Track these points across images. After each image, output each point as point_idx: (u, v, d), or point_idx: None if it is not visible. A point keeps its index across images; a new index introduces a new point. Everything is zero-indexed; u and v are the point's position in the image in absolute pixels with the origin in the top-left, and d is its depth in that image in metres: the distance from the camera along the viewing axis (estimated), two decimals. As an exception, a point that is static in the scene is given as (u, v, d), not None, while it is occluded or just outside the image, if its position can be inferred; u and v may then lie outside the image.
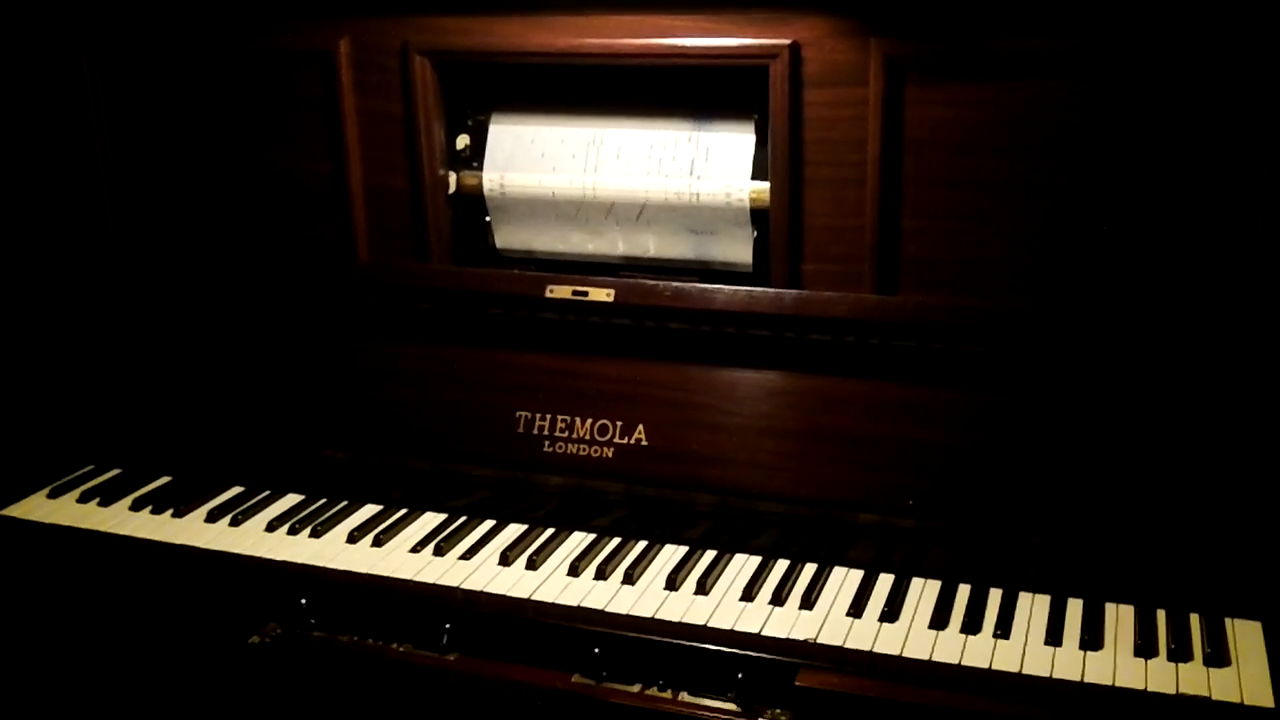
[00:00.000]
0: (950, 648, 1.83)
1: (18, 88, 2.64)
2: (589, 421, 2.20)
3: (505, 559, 2.12)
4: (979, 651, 1.82)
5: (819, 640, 1.86)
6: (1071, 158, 2.04)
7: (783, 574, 2.04)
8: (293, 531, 2.24)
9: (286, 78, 2.47)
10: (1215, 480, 1.91)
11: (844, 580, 2.03)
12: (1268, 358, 1.93)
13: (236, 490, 2.41)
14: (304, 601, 2.08)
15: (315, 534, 2.23)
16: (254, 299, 2.46)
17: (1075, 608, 1.93)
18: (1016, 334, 2.03)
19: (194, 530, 2.27)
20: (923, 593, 1.99)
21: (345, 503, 2.34)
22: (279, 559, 2.16)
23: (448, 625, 2.01)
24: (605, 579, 2.05)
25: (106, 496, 2.39)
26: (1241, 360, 1.94)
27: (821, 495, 2.07)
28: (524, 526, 2.24)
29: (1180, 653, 1.80)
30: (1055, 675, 1.76)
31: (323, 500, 2.36)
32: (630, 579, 2.04)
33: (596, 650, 1.93)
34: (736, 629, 1.90)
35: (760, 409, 2.13)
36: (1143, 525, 1.92)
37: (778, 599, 1.97)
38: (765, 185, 2.25)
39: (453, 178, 2.45)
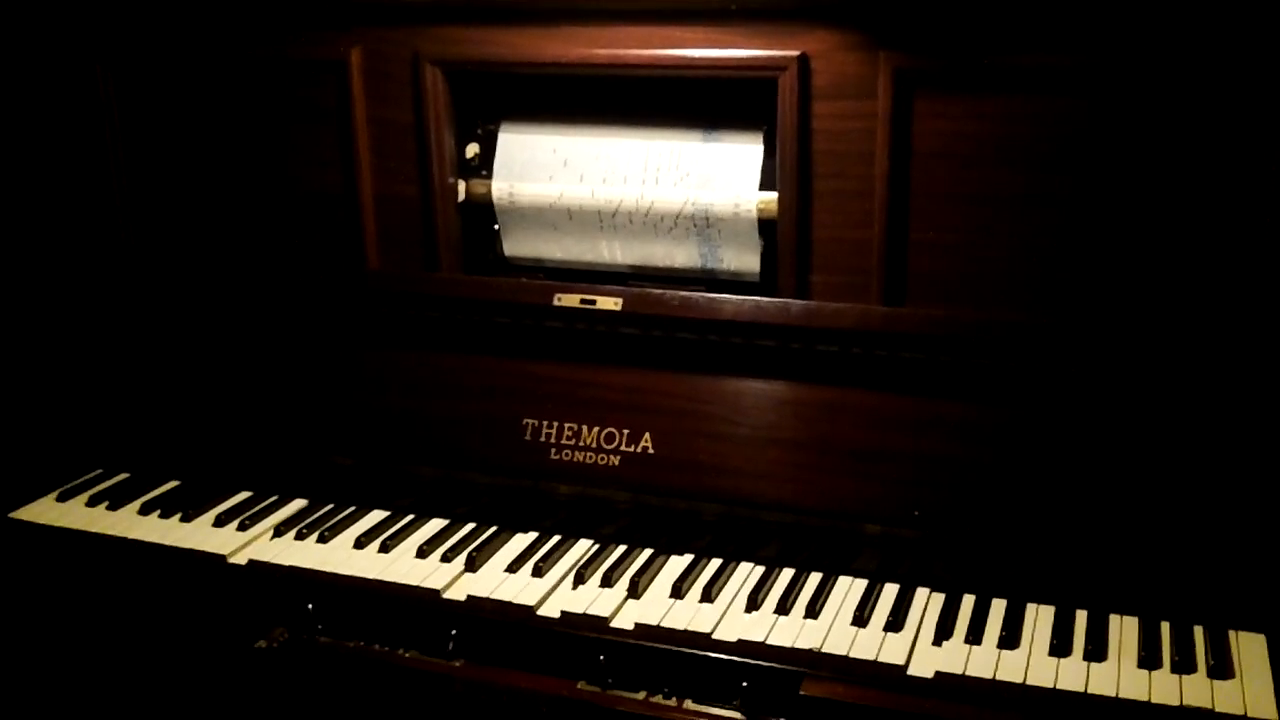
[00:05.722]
0: (954, 658, 1.84)
1: (32, 96, 2.65)
2: (596, 430, 2.20)
3: (512, 566, 2.13)
4: (983, 662, 1.82)
5: (823, 649, 1.87)
6: (1080, 171, 2.05)
7: (788, 583, 2.05)
8: (300, 536, 2.25)
9: (299, 87, 2.48)
10: (1220, 492, 1.91)
11: (849, 590, 2.04)
12: (1273, 371, 1.93)
13: (244, 495, 2.42)
14: (311, 606, 2.09)
15: (322, 539, 2.24)
16: (263, 306, 2.48)
17: (1080, 619, 1.93)
18: (1023, 347, 2.03)
19: (202, 534, 2.28)
20: (927, 603, 1.99)
21: (352, 508, 2.35)
22: (286, 564, 2.17)
23: (454, 631, 2.02)
24: (611, 587, 2.06)
25: (115, 500, 2.40)
26: (1247, 374, 1.94)
27: (827, 505, 2.08)
28: (530, 534, 2.24)
29: (1184, 664, 1.80)
30: (1059, 686, 1.77)
31: (330, 506, 2.37)
32: (636, 587, 2.05)
33: (602, 658, 1.93)
34: (741, 638, 1.91)
35: (767, 419, 2.14)
36: (1148, 537, 1.92)
37: (783, 608, 1.98)
38: (773, 196, 2.26)
39: (462, 186, 2.47)
